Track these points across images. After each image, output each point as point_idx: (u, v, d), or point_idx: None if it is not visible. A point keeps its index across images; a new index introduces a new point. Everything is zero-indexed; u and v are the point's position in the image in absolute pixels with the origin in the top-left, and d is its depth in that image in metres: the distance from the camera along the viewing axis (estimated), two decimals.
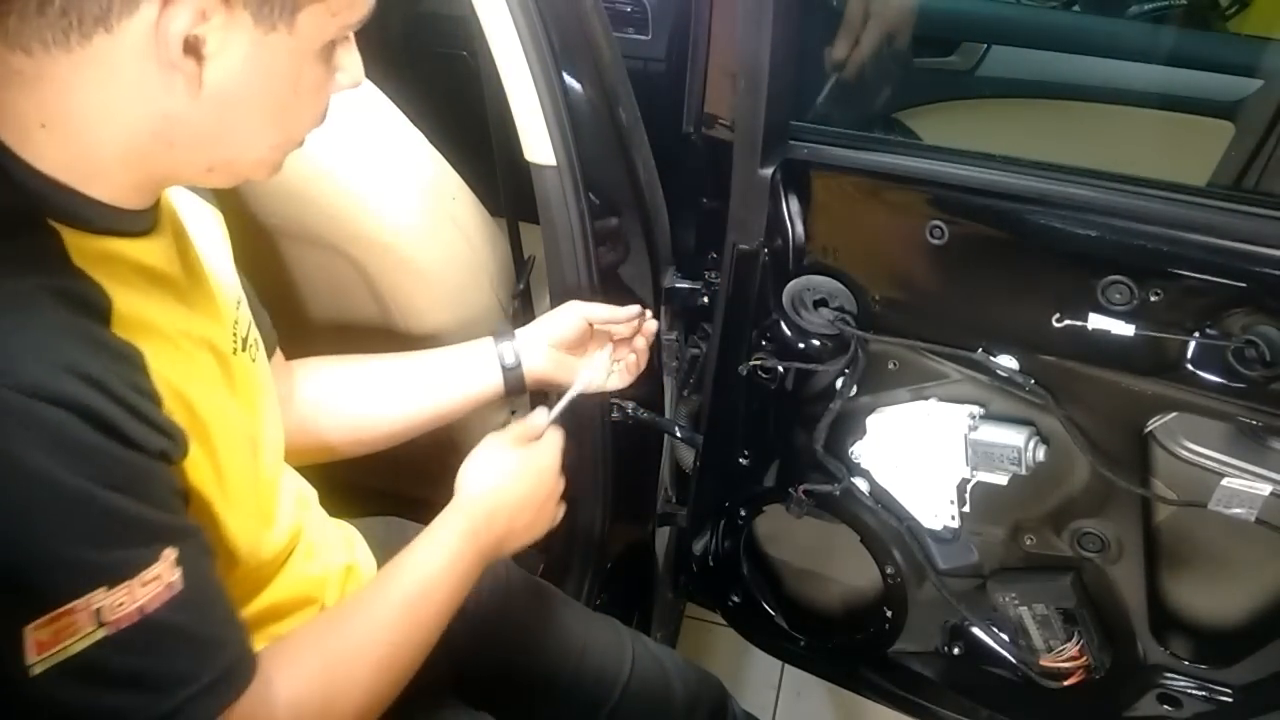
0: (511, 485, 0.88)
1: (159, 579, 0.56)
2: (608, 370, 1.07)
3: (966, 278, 0.99)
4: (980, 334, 1.00)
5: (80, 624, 0.52)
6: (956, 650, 1.26)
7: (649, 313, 1.11)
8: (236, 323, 0.78)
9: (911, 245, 0.99)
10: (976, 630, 1.23)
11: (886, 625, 1.28)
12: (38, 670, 0.51)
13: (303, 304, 1.30)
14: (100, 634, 0.52)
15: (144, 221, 0.66)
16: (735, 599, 1.40)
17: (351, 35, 0.66)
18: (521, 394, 1.08)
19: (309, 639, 0.72)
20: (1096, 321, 0.91)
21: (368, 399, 1.00)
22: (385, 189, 1.14)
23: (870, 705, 1.40)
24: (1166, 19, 2.05)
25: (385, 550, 1.01)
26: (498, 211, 1.32)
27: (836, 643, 1.37)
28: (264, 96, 0.62)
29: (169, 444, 0.60)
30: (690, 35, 1.06)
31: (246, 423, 0.75)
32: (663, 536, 1.51)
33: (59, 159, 0.59)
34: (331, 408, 0.98)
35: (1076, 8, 2.13)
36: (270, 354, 0.91)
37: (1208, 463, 0.96)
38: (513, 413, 1.36)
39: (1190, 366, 0.90)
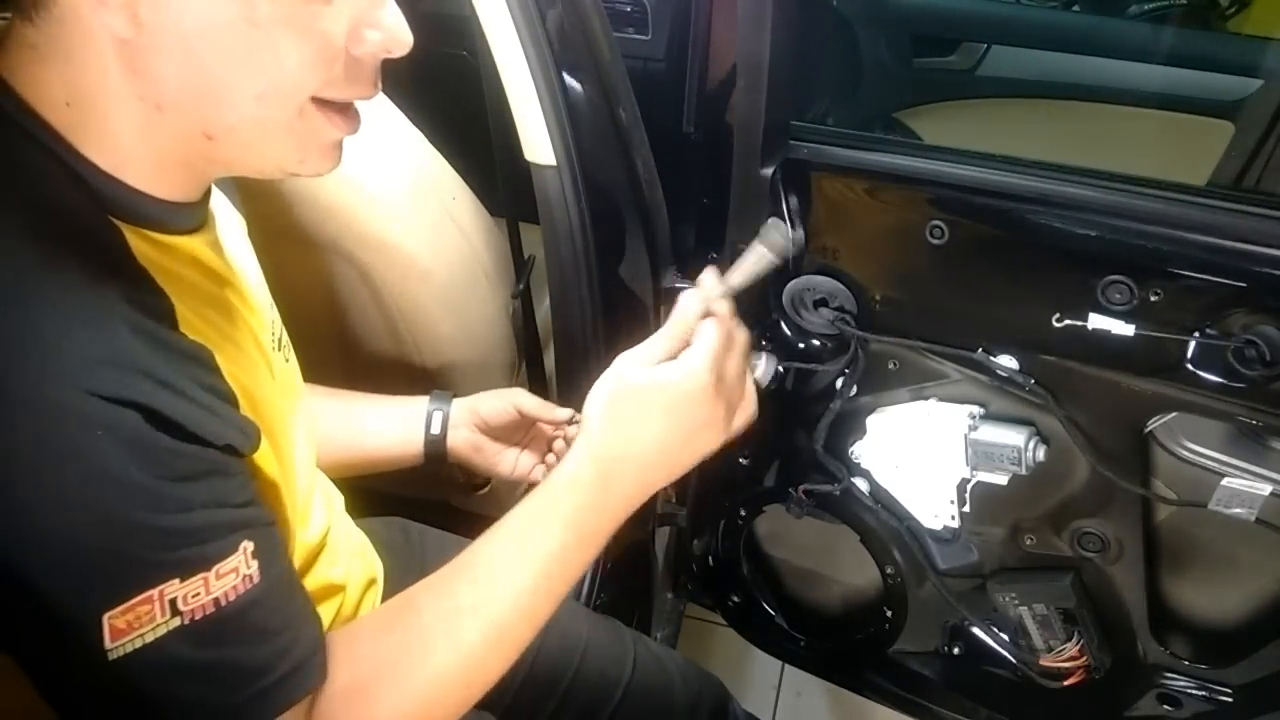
0: (643, 425, 0.69)
1: (235, 571, 0.56)
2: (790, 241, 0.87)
3: (966, 278, 0.99)
4: (980, 334, 1.00)
5: (155, 613, 0.52)
6: (956, 650, 1.26)
7: (578, 418, 0.97)
8: (274, 321, 0.79)
9: (911, 245, 0.99)
10: (976, 630, 1.23)
11: (886, 625, 1.28)
12: (115, 655, 0.51)
13: (302, 305, 1.29)
14: (175, 624, 0.53)
15: (195, 218, 0.66)
16: (735, 599, 1.40)
17: None
18: (441, 463, 1.03)
19: (374, 625, 0.67)
20: (1096, 321, 0.91)
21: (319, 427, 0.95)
22: (385, 189, 1.14)
23: (870, 705, 1.40)
24: (1166, 19, 2.06)
25: (390, 551, 1.01)
26: (498, 211, 1.32)
27: (836, 643, 1.37)
28: (211, 30, 0.55)
29: (243, 439, 0.60)
30: (690, 35, 1.06)
31: (293, 421, 0.75)
32: (663, 536, 1.51)
33: (93, 143, 0.58)
34: None
35: (1076, 8, 2.13)
36: None
37: (1208, 463, 0.96)
38: None
39: (1190, 366, 0.90)
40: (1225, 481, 0.94)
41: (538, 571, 0.67)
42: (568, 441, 0.99)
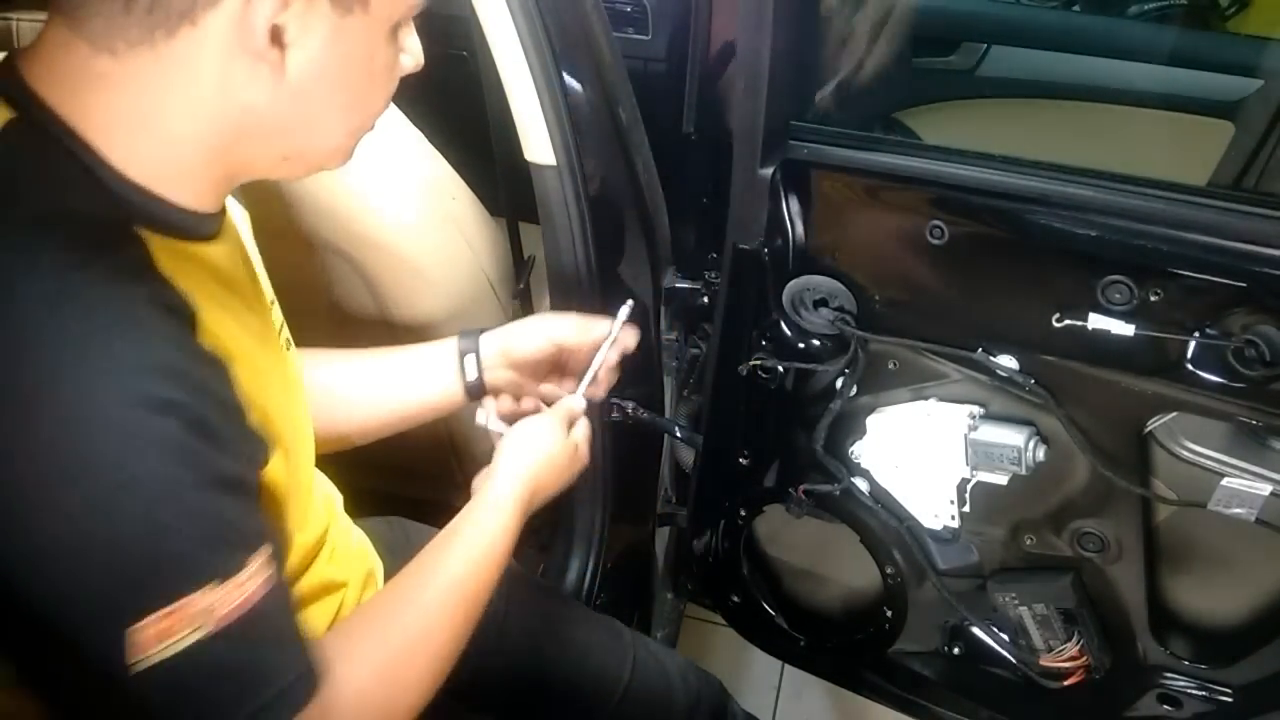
0: (552, 461, 0.91)
1: (255, 577, 0.57)
2: (624, 339, 1.01)
3: (967, 278, 0.99)
4: (980, 334, 1.00)
5: (190, 619, 0.53)
6: (956, 650, 1.26)
7: (615, 328, 1.02)
8: (278, 317, 0.80)
9: (912, 245, 0.99)
10: (976, 630, 1.23)
11: (886, 625, 1.28)
12: (141, 666, 0.52)
13: (302, 304, 1.30)
14: (209, 629, 0.54)
15: (215, 224, 0.66)
16: (735, 599, 1.40)
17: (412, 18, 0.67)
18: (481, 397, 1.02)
19: (368, 628, 0.72)
20: (1096, 321, 0.91)
21: (339, 394, 0.96)
22: (385, 189, 1.14)
23: (870, 705, 1.40)
24: (1166, 19, 2.05)
25: (390, 551, 1.01)
26: (498, 211, 1.32)
27: (836, 643, 1.37)
28: (342, 80, 0.63)
29: (256, 451, 0.62)
30: (690, 35, 1.06)
31: (303, 419, 0.76)
32: (663, 536, 1.51)
33: (144, 161, 0.60)
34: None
35: (1076, 8, 2.13)
36: None
37: (1208, 463, 0.96)
38: None
39: (1190, 366, 0.90)
40: (1225, 481, 0.94)
41: (478, 577, 0.79)
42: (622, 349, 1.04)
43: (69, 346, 0.52)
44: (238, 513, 0.58)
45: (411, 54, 0.68)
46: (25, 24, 1.11)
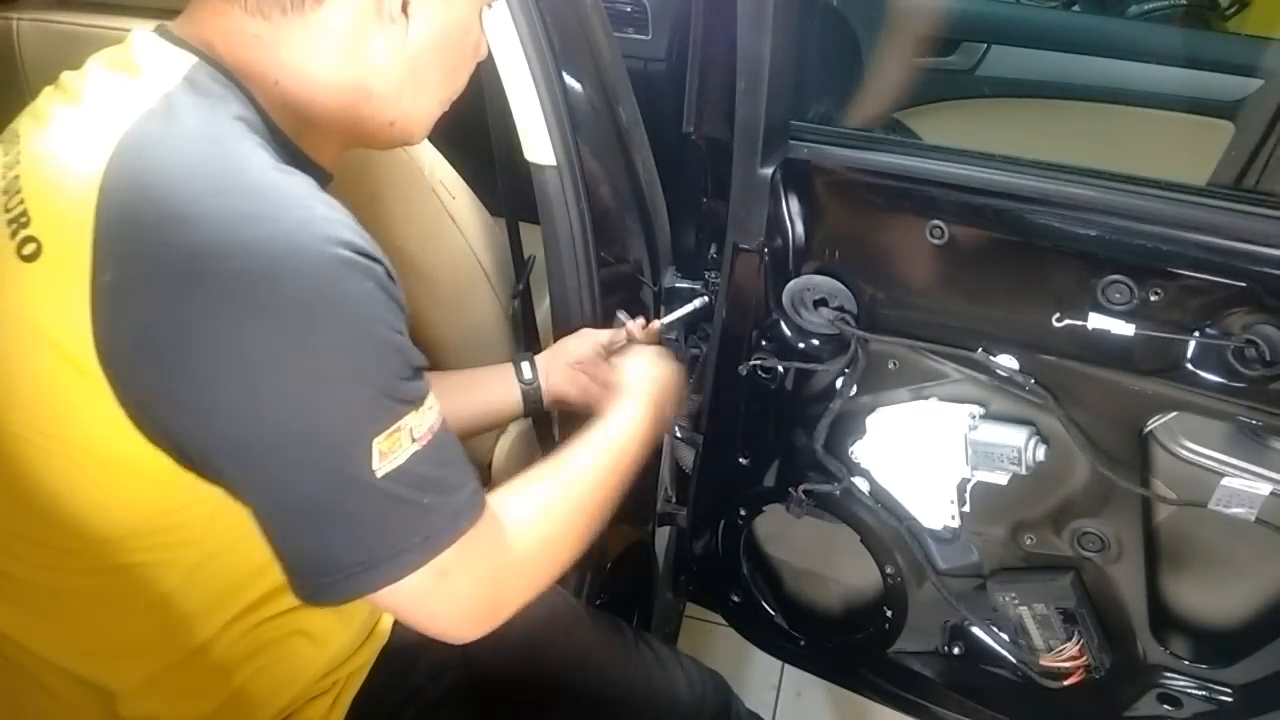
0: (665, 376, 1.05)
1: (432, 409, 0.66)
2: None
3: (966, 277, 0.99)
4: (980, 334, 1.00)
5: (403, 439, 0.62)
6: (956, 650, 1.26)
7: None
8: None
9: (911, 245, 0.99)
10: (976, 630, 1.23)
11: (886, 625, 1.28)
12: (379, 475, 0.61)
13: None
14: (415, 448, 0.63)
15: (327, 185, 0.73)
16: (735, 599, 1.40)
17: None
18: (539, 411, 1.11)
19: (530, 481, 0.80)
20: (1096, 321, 0.91)
21: None
22: (384, 189, 1.14)
23: (870, 705, 1.40)
24: (1166, 19, 2.06)
25: None
26: (498, 211, 1.32)
27: (837, 642, 1.37)
28: (446, 50, 0.75)
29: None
30: (690, 35, 1.06)
31: None
32: (663, 536, 1.51)
33: (290, 113, 0.70)
34: None
35: (1076, 8, 2.13)
36: None
37: (1208, 462, 0.96)
38: None
39: (1190, 366, 0.90)
40: (1225, 481, 0.94)
41: (608, 454, 0.88)
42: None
43: (300, 198, 0.61)
44: (414, 354, 0.65)
45: (485, 40, 0.81)
46: (25, 24, 1.11)
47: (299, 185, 0.63)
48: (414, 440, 0.63)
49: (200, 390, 0.59)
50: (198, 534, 0.70)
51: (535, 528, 0.76)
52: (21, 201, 0.64)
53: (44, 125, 0.68)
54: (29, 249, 0.62)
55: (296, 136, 0.71)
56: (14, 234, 0.63)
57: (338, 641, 0.85)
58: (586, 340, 1.12)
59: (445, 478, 0.66)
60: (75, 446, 0.64)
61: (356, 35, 0.69)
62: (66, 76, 0.72)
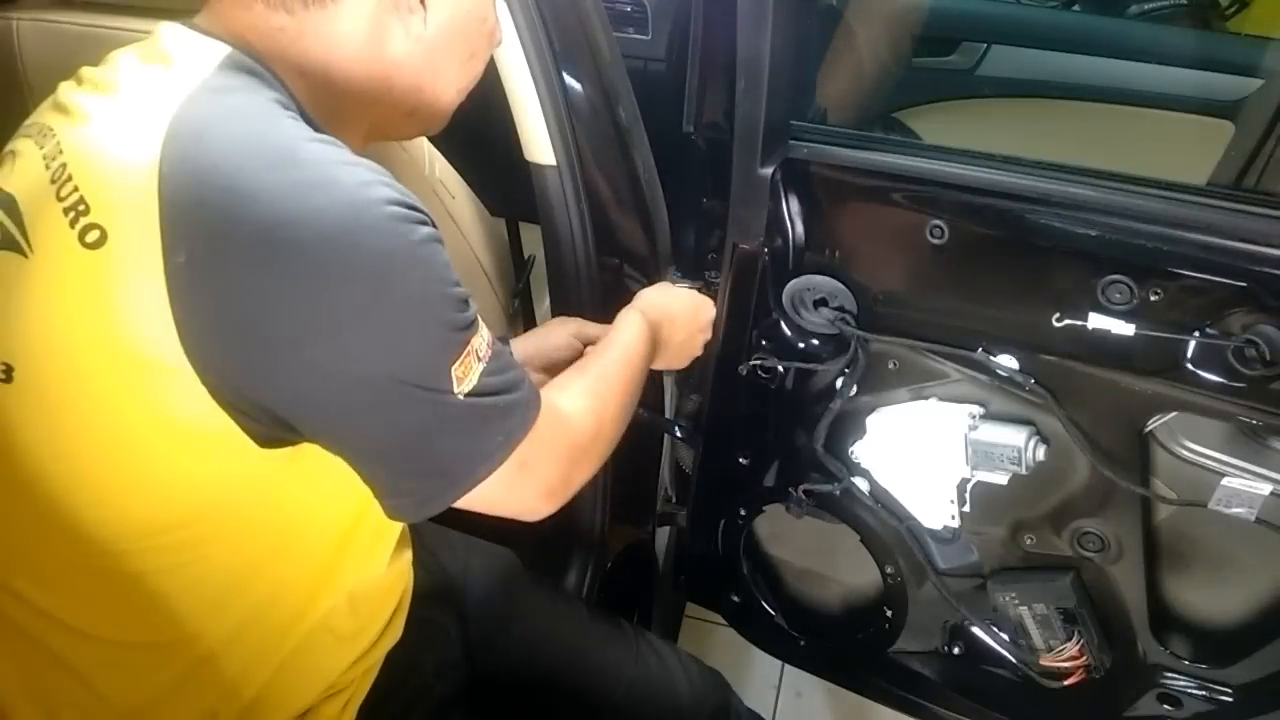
0: (678, 305, 1.08)
1: (483, 325, 0.71)
2: None
3: (967, 277, 0.99)
4: (980, 334, 1.00)
5: (472, 360, 0.68)
6: (956, 650, 1.26)
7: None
8: None
9: (911, 245, 0.99)
10: (976, 630, 1.23)
11: (886, 625, 1.28)
12: (461, 392, 0.67)
13: None
14: (482, 365, 0.69)
15: None
16: (735, 599, 1.40)
17: None
18: None
19: (568, 378, 0.88)
20: (1096, 321, 0.91)
21: None
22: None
23: (870, 705, 1.40)
24: (1166, 19, 2.06)
25: None
26: (498, 211, 1.32)
27: (837, 642, 1.37)
28: (464, 38, 0.77)
29: None
30: (690, 35, 1.06)
31: None
32: (663, 536, 1.51)
33: (313, 103, 0.71)
34: None
35: (1076, 7, 2.13)
36: None
37: (1208, 462, 0.96)
38: None
39: (1190, 366, 0.90)
40: (1225, 481, 0.94)
41: (630, 361, 0.95)
42: None
43: (351, 163, 0.64)
44: (462, 286, 0.70)
45: (497, 31, 0.83)
46: (25, 24, 1.11)
47: (345, 153, 0.66)
48: (480, 359, 0.69)
49: (292, 356, 0.63)
50: (260, 515, 0.74)
51: (586, 411, 0.83)
52: (76, 189, 0.65)
53: (79, 117, 0.68)
54: (92, 236, 0.63)
55: (324, 125, 0.71)
56: (74, 222, 0.64)
57: (360, 641, 0.86)
58: (564, 336, 1.11)
59: (509, 382, 0.72)
60: (150, 418, 0.65)
61: (376, 26, 0.71)
62: (88, 71, 0.73)
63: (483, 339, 0.70)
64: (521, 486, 0.74)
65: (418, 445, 0.69)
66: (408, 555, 0.92)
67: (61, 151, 0.67)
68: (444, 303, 0.67)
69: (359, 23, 0.71)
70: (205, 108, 0.65)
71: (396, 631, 0.91)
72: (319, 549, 0.79)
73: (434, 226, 0.67)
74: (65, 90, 0.73)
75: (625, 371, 0.93)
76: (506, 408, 0.72)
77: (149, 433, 0.66)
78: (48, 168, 0.67)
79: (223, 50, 0.69)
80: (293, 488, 0.73)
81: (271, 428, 0.67)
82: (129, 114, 0.66)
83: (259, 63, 0.69)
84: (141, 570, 0.72)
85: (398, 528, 0.88)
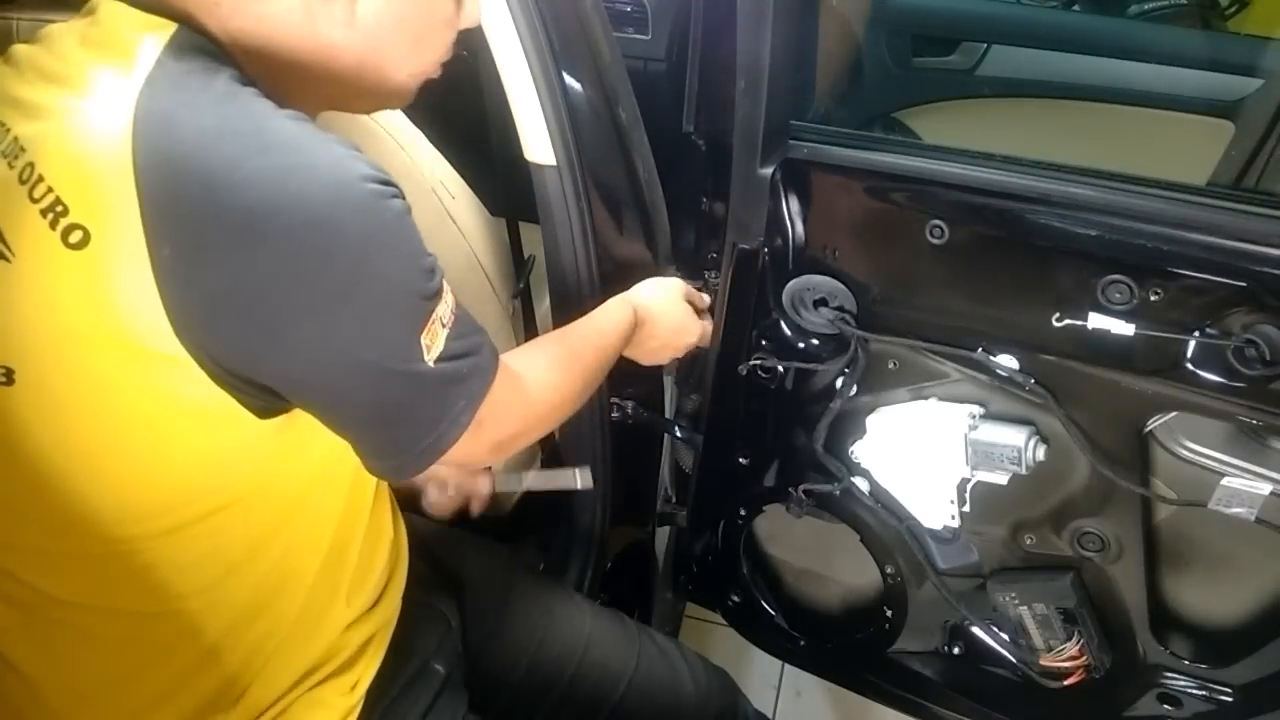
0: (668, 316, 1.10)
1: (449, 291, 0.73)
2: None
3: (966, 277, 0.99)
4: (980, 333, 1.00)
5: (438, 328, 0.71)
6: (956, 650, 1.26)
7: None
8: None
9: (911, 245, 0.99)
10: (976, 630, 1.23)
11: (886, 625, 1.28)
12: (430, 360, 0.70)
13: None
14: (446, 331, 0.71)
15: None
16: (735, 599, 1.40)
17: None
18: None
19: (537, 344, 0.95)
20: (1096, 321, 0.91)
21: None
22: None
23: (870, 705, 1.40)
24: (1166, 19, 2.06)
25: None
26: (498, 211, 1.32)
27: (837, 642, 1.37)
28: (404, 27, 0.75)
29: None
30: (690, 35, 1.06)
31: None
32: (663, 536, 1.51)
33: (261, 78, 0.70)
34: None
35: (1076, 7, 2.13)
36: None
37: (1208, 462, 0.96)
38: None
39: (1190, 366, 0.90)
40: (1225, 481, 0.94)
41: (603, 342, 0.99)
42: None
43: (323, 141, 0.65)
44: (429, 254, 0.72)
45: (469, 12, 0.80)
46: (25, 23, 1.11)
47: (316, 130, 0.66)
48: (444, 325, 0.71)
49: (283, 337, 0.65)
50: (266, 483, 0.76)
51: (549, 385, 0.87)
52: (50, 190, 0.64)
53: (34, 111, 0.67)
54: (75, 236, 0.63)
55: (279, 98, 0.70)
56: (54, 224, 0.63)
57: (355, 603, 0.89)
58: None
59: (470, 346, 0.75)
60: (155, 403, 0.67)
61: (306, 12, 0.70)
62: (27, 56, 0.71)
63: (446, 305, 0.72)
64: (473, 440, 0.77)
65: (392, 415, 0.72)
66: (398, 517, 0.97)
67: (24, 150, 0.66)
68: (416, 276, 0.69)
69: (289, 8, 0.69)
70: (167, 92, 0.64)
71: (395, 598, 0.94)
72: (323, 513, 0.82)
73: (403, 197, 0.69)
74: (8, 80, 0.71)
75: (597, 355, 0.97)
76: (470, 371, 0.75)
77: (155, 417, 0.68)
78: (11, 166, 0.66)
79: (168, 27, 0.67)
80: (293, 452, 0.75)
81: (267, 400, 0.69)
82: (89, 106, 0.65)
83: (204, 37, 0.69)
84: (155, 549, 0.73)
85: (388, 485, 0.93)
